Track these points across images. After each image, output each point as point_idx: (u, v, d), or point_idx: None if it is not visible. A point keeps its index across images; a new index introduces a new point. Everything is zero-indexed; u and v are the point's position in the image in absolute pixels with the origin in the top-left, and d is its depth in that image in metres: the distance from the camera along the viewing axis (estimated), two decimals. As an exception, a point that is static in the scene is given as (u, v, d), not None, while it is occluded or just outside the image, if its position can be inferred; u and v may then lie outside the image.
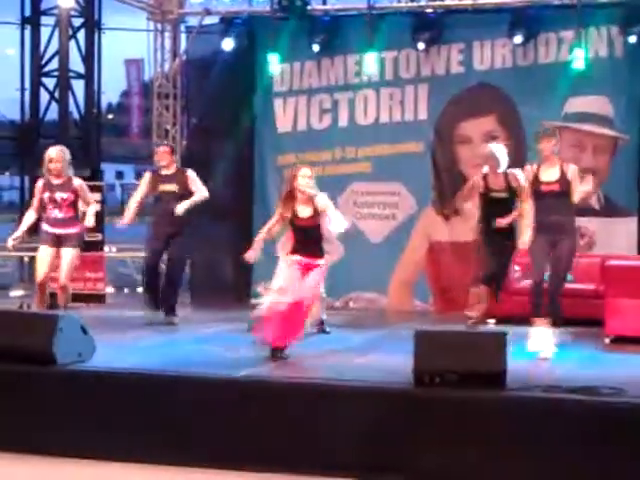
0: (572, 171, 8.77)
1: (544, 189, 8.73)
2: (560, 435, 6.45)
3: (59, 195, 9.56)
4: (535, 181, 8.80)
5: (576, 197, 8.71)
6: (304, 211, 8.54)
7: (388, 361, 8.20)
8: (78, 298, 12.15)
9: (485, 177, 9.75)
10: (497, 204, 9.65)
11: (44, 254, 9.62)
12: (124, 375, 7.39)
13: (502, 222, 9.32)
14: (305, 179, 8.53)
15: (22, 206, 18.11)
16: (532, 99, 11.94)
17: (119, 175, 32.08)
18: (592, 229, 11.81)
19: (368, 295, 12.62)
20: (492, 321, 10.29)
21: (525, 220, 8.98)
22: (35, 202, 9.79)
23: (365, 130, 12.85)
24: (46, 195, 9.63)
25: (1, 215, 25.26)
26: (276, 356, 8.20)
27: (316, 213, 8.53)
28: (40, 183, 9.76)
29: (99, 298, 12.51)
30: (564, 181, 8.69)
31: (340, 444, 6.76)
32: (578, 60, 11.62)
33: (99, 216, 12.18)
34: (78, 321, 7.82)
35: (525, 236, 8.85)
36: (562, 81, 11.78)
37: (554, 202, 8.67)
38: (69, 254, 9.59)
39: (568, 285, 9.45)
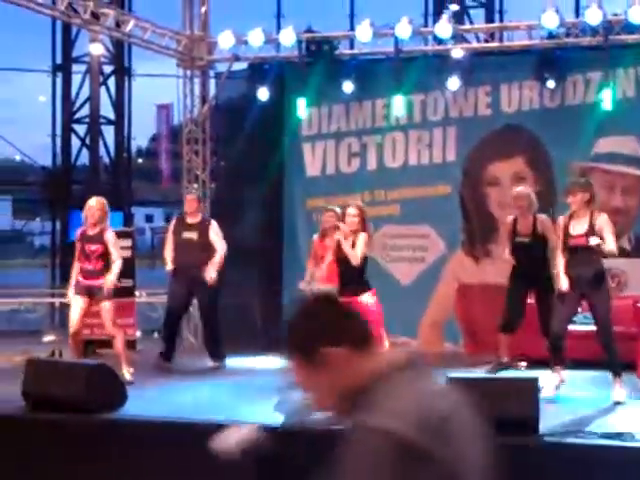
0: (601, 220, 8.70)
1: (572, 243, 8.70)
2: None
3: (89, 247, 9.67)
4: (565, 234, 8.77)
5: (605, 247, 8.61)
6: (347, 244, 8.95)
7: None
8: (109, 344, 12.17)
9: (515, 220, 9.78)
10: (521, 249, 9.64)
11: (77, 305, 9.70)
12: (154, 424, 7.41)
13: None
14: (350, 217, 9.16)
15: (53, 251, 18.29)
16: (560, 140, 11.92)
17: (149, 219, 32.26)
18: (623, 270, 11.72)
19: (398, 338, 12.56)
20: (524, 364, 10.23)
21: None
22: (77, 253, 9.92)
23: (394, 173, 12.87)
24: (79, 246, 9.77)
25: (32, 260, 25.43)
26: None
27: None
28: (78, 232, 9.92)
29: (130, 344, 12.51)
30: (592, 233, 8.63)
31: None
32: (606, 101, 11.61)
33: (129, 262, 12.28)
34: (110, 369, 7.86)
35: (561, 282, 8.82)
36: (590, 122, 11.75)
37: (582, 255, 8.63)
38: (106, 307, 9.70)
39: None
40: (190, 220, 10.92)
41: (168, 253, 10.94)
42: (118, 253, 9.85)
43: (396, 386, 2.46)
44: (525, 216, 9.73)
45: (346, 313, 2.58)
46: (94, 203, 9.80)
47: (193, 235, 10.75)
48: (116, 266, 9.75)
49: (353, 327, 2.56)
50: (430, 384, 2.55)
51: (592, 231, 8.63)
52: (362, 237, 8.94)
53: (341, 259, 9.00)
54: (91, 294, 9.67)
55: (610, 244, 8.62)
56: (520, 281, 9.70)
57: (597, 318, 8.72)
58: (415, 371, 2.53)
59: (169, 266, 10.87)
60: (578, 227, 8.71)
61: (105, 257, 9.70)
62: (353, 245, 8.98)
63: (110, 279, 9.68)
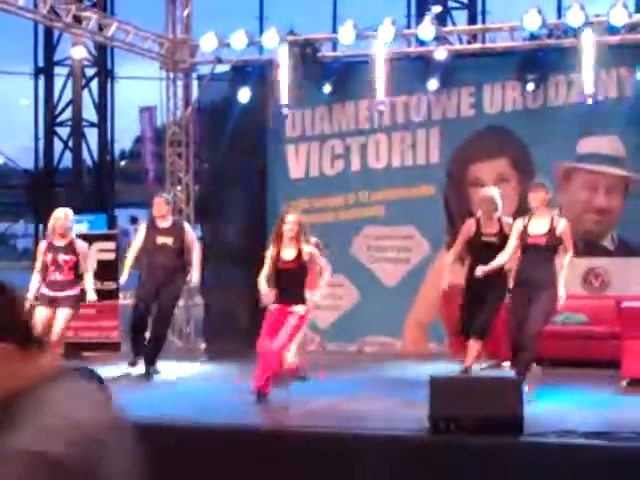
0: (562, 226, 8.75)
1: (530, 241, 8.71)
2: (578, 481, 6.42)
3: (62, 257, 9.56)
4: (523, 232, 8.78)
5: (564, 262, 8.67)
6: (288, 254, 8.72)
7: (403, 407, 8.18)
8: (92, 347, 12.16)
9: (478, 221, 9.81)
10: (486, 248, 9.64)
11: (40, 315, 9.50)
12: (139, 427, 7.37)
13: (482, 272, 9.13)
14: (289, 225, 8.79)
15: (36, 254, 18.30)
16: (543, 141, 11.95)
17: (133, 220, 32.33)
18: (606, 269, 11.77)
19: (383, 339, 12.58)
20: (507, 364, 10.23)
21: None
22: (39, 264, 9.74)
23: (377, 174, 12.88)
24: (49, 257, 9.62)
25: (18, 262, 25.37)
26: (259, 400, 8.44)
27: (299, 256, 8.72)
28: (43, 245, 9.79)
29: (113, 346, 12.51)
30: (552, 235, 8.68)
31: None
32: (588, 101, 11.64)
33: (113, 265, 12.27)
34: (94, 372, 7.82)
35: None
36: (573, 123, 11.81)
37: (537, 256, 8.66)
38: (63, 314, 9.51)
39: (582, 326, 9.43)
40: (162, 224, 10.62)
41: (130, 260, 10.56)
42: (89, 264, 9.84)
43: (51, 398, 2.25)
44: (490, 217, 9.76)
45: (13, 308, 2.32)
46: (61, 214, 9.71)
47: (168, 240, 10.49)
48: (89, 281, 9.69)
49: (19, 324, 2.31)
50: (85, 395, 2.35)
51: (553, 233, 8.67)
52: (315, 249, 8.98)
53: (282, 267, 8.89)
54: (56, 304, 9.52)
55: (569, 255, 8.71)
56: (475, 284, 9.67)
57: (533, 316, 8.66)
58: (70, 381, 2.33)
59: (124, 277, 10.52)
60: (537, 227, 8.73)
61: (76, 267, 9.63)
62: (299, 254, 8.85)
63: (91, 295, 9.67)
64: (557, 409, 8.13)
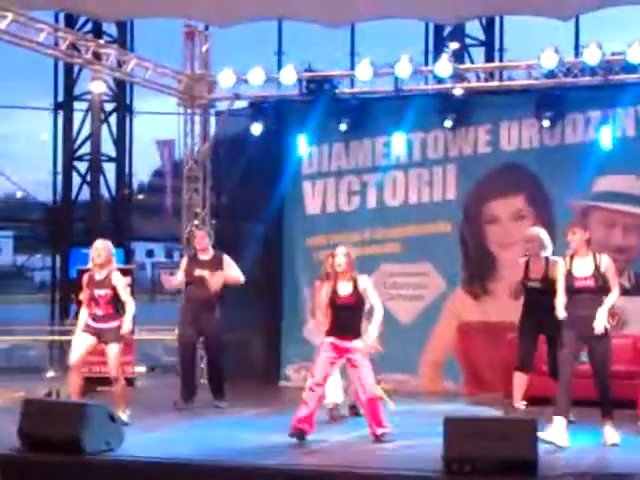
0: (606, 264, 8.58)
1: (578, 285, 8.51)
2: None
3: (97, 292, 9.45)
4: (568, 275, 8.63)
5: (608, 300, 8.53)
6: (344, 289, 8.60)
7: (417, 447, 8.12)
8: (106, 382, 12.11)
9: (527, 263, 9.66)
10: (533, 294, 9.53)
11: (81, 340, 9.47)
12: (151, 465, 7.35)
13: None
14: (341, 257, 8.63)
15: (53, 286, 18.29)
16: (560, 179, 11.95)
17: (149, 253, 32.38)
18: (623, 308, 11.66)
19: (398, 376, 12.50)
20: (523, 403, 10.13)
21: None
22: (85, 297, 9.65)
23: (394, 211, 12.90)
24: (88, 293, 9.56)
25: (34, 295, 25.47)
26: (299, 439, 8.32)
27: (356, 289, 8.59)
28: (86, 277, 9.70)
29: (128, 382, 12.44)
30: (598, 275, 8.50)
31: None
32: (605, 139, 11.64)
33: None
34: (106, 409, 7.82)
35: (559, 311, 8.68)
36: (590, 161, 11.78)
37: (587, 297, 8.48)
38: (114, 349, 9.47)
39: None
40: (202, 257, 10.86)
41: (180, 280, 10.90)
42: (128, 294, 9.63)
43: None
44: (537, 258, 9.63)
45: None
46: (100, 245, 9.63)
47: (205, 272, 10.67)
48: (130, 311, 9.54)
49: None
50: None
51: (598, 273, 8.49)
52: (369, 281, 8.81)
53: (340, 303, 8.70)
54: (100, 336, 9.47)
55: (614, 293, 8.53)
56: (530, 325, 9.57)
57: (596, 363, 8.59)
58: None
59: (175, 280, 10.94)
60: (582, 269, 8.54)
61: (114, 301, 9.51)
62: (355, 286, 8.69)
63: (127, 326, 9.50)
64: (572, 450, 8.04)
